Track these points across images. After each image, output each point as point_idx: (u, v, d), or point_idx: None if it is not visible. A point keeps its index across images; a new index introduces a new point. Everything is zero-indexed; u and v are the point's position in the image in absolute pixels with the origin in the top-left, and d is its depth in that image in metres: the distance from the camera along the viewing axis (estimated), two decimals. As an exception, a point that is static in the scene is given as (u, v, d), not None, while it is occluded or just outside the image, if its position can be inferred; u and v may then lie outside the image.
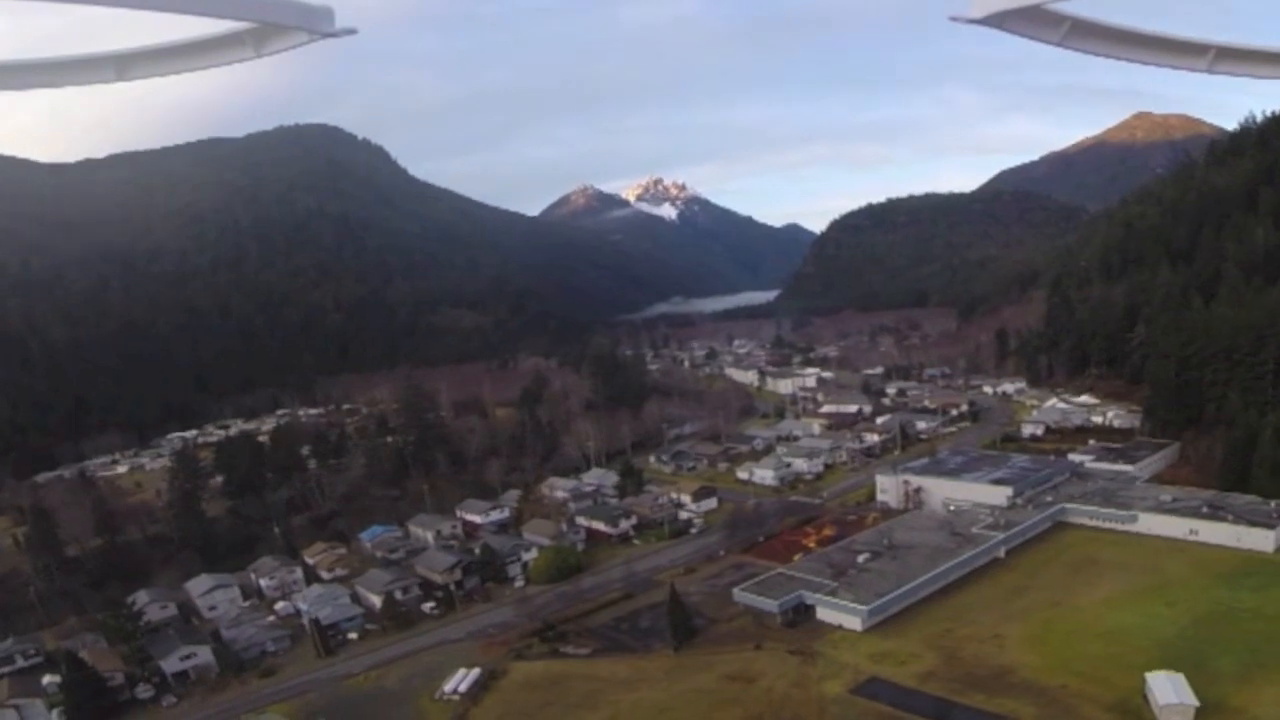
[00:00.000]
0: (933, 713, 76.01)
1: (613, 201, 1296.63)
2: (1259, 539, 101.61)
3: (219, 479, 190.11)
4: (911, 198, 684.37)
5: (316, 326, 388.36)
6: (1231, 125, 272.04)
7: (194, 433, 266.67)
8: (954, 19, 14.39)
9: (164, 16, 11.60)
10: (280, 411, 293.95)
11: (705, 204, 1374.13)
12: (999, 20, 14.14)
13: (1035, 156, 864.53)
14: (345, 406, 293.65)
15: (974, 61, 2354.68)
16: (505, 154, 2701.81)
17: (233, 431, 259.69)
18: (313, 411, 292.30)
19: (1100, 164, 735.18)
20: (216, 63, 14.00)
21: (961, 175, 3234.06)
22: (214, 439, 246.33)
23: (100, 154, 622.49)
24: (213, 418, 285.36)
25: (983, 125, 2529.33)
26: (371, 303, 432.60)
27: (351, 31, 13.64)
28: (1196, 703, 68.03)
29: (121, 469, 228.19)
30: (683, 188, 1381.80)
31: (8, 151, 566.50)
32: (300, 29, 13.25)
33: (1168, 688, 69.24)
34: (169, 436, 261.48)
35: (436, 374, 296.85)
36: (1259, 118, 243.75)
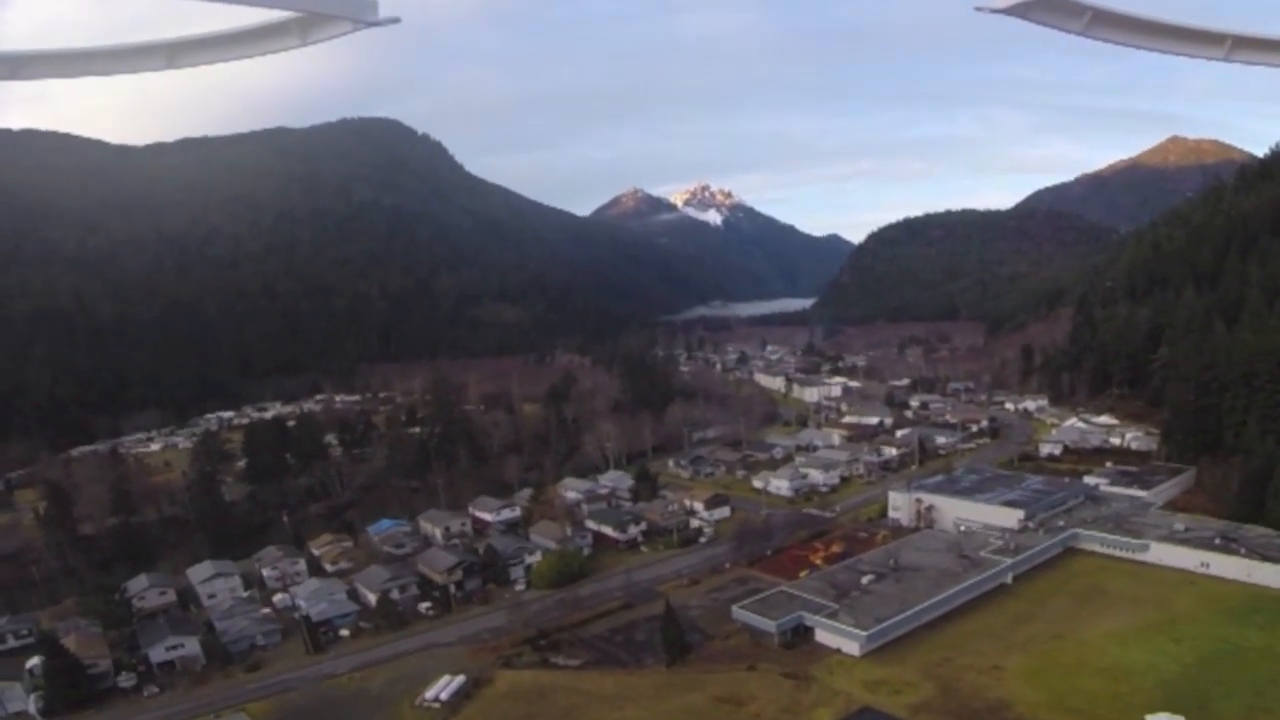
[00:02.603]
0: (922, 752, 71.17)
1: (661, 205, 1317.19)
2: (1270, 574, 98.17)
3: (243, 463, 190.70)
4: (948, 213, 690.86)
5: (361, 314, 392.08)
6: (1263, 151, 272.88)
7: (231, 414, 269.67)
8: (979, 9, 15.06)
9: (213, 6, 12.32)
10: (319, 397, 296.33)
11: (750, 211, 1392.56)
12: (1023, 10, 14.90)
13: (1071, 177, 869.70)
14: (381, 395, 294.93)
15: (1016, 82, 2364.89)
16: (560, 154, 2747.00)
17: (270, 414, 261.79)
18: (350, 398, 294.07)
19: (1133, 186, 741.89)
20: (264, 51, 14.64)
21: (998, 193, 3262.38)
22: (249, 421, 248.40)
23: (170, 138, 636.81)
24: (253, 400, 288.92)
25: (1021, 145, 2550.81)
26: (417, 293, 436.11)
27: (395, 20, 14.15)
28: None
29: (155, 446, 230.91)
30: (729, 195, 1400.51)
31: (81, 131, 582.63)
32: (344, 18, 13.80)
33: None
34: (206, 416, 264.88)
35: (473, 366, 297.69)
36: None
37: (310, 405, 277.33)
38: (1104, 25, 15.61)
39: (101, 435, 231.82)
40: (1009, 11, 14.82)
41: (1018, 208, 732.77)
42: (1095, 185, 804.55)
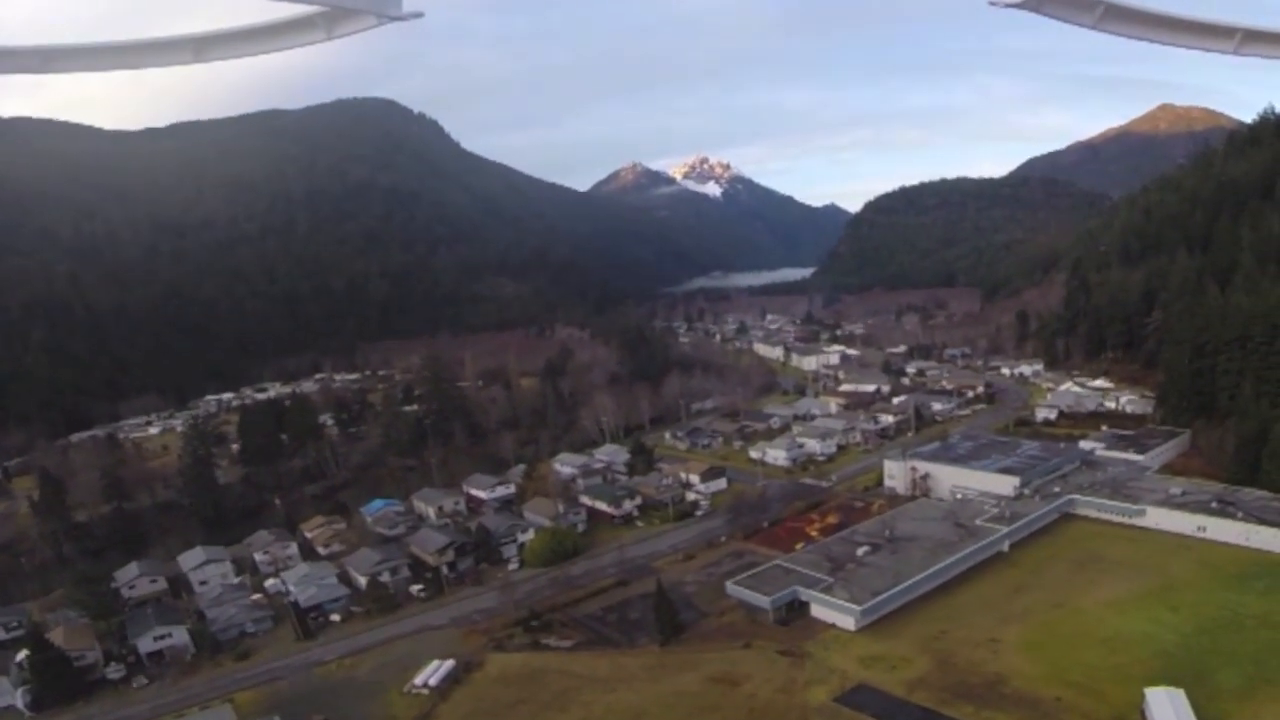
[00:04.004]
0: (918, 727, 69.53)
1: (660, 179, 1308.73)
2: (1268, 538, 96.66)
3: (238, 445, 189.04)
4: (944, 181, 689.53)
5: (361, 293, 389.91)
6: (1251, 118, 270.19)
7: (230, 396, 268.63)
8: (993, 3, 15.40)
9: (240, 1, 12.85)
10: (318, 376, 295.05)
11: (748, 183, 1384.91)
12: (1036, 4, 15.47)
13: (1063, 145, 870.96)
14: (380, 373, 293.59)
15: (1011, 52, 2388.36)
16: (558, 131, 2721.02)
17: (270, 395, 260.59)
18: (349, 377, 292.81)
19: (1125, 153, 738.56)
20: (290, 45, 15.06)
21: (993, 161, 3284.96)
22: (248, 403, 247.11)
23: (163, 123, 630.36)
24: (253, 381, 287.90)
25: (1016, 114, 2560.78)
26: (416, 271, 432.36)
27: (418, 15, 14.59)
28: None
29: (154, 430, 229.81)
30: (727, 167, 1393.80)
31: (75, 119, 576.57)
32: (369, 13, 14.36)
33: (1166, 706, 63.45)
34: (205, 399, 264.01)
35: (473, 341, 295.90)
36: (1278, 110, 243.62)
37: (308, 385, 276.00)
38: (1116, 19, 16.24)
39: (101, 421, 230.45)
40: (1023, 6, 15.39)
41: (1012, 175, 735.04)
42: (1088, 153, 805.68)
